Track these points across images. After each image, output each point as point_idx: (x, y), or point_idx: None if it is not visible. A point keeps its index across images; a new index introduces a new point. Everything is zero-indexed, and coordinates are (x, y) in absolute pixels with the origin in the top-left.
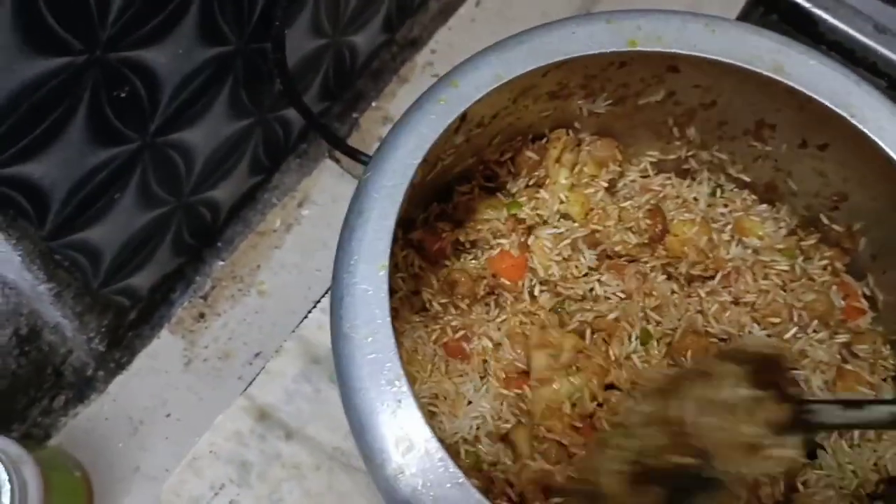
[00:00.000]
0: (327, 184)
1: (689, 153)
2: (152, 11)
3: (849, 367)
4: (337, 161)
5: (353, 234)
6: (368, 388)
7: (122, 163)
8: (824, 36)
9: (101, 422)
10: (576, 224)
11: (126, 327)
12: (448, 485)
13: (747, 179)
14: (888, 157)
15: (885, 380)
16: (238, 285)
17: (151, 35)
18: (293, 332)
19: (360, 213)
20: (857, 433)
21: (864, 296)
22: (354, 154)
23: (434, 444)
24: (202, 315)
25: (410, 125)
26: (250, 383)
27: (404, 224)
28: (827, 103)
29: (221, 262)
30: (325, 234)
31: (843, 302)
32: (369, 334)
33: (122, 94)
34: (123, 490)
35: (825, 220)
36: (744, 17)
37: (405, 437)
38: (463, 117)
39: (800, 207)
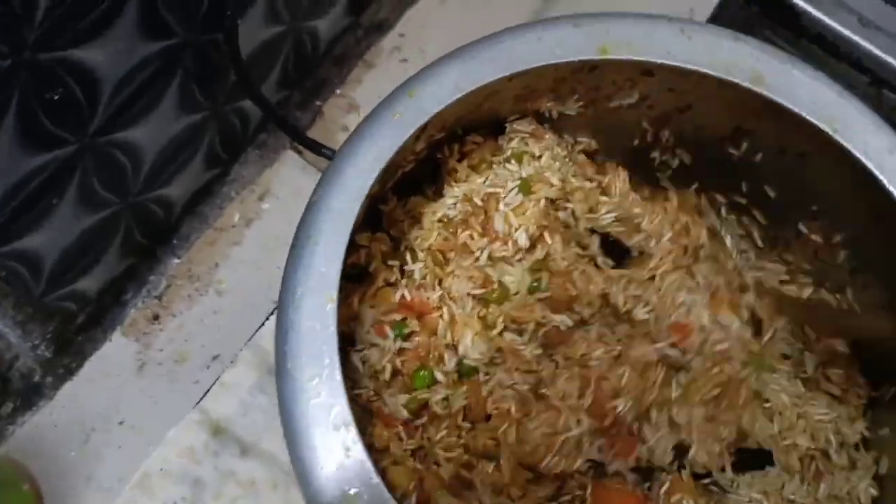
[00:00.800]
0: (289, 176)
1: (664, 157)
2: (85, 8)
3: None
4: (299, 152)
5: (300, 262)
6: (312, 435)
7: (58, 167)
8: (806, 29)
9: (51, 430)
10: None
11: (74, 332)
12: None
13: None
14: (870, 172)
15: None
16: (195, 284)
17: (86, 33)
18: (249, 341)
19: (308, 237)
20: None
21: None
22: (316, 147)
23: (381, 491)
24: (157, 316)
25: (363, 141)
26: (205, 394)
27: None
28: (808, 117)
29: (177, 260)
30: (286, 230)
31: None
32: (314, 375)
33: (56, 97)
34: (76, 501)
35: (803, 229)
36: (723, 7)
37: (350, 485)
38: (423, 128)
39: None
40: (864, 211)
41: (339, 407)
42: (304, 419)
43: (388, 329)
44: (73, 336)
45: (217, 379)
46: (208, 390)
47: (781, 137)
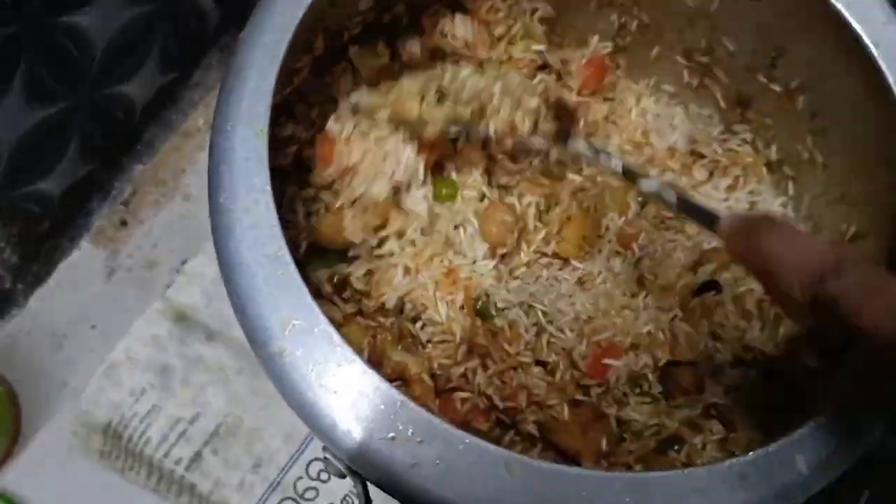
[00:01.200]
0: None
1: (622, 20)
2: None
3: None
4: None
5: (230, 96)
6: (248, 262)
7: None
8: None
9: (24, 337)
10: None
11: (40, 238)
12: (336, 362)
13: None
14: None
15: None
16: (161, 190)
17: None
18: None
19: (238, 72)
20: None
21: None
22: None
23: (320, 319)
24: (124, 222)
25: None
26: (169, 285)
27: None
28: None
29: (142, 167)
30: None
31: None
32: (248, 205)
33: None
34: (53, 407)
35: (763, 79)
36: None
37: (288, 313)
38: None
39: (737, 72)
40: (818, 44)
41: (275, 235)
42: (240, 251)
43: None
44: (40, 243)
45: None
46: (173, 282)
47: None
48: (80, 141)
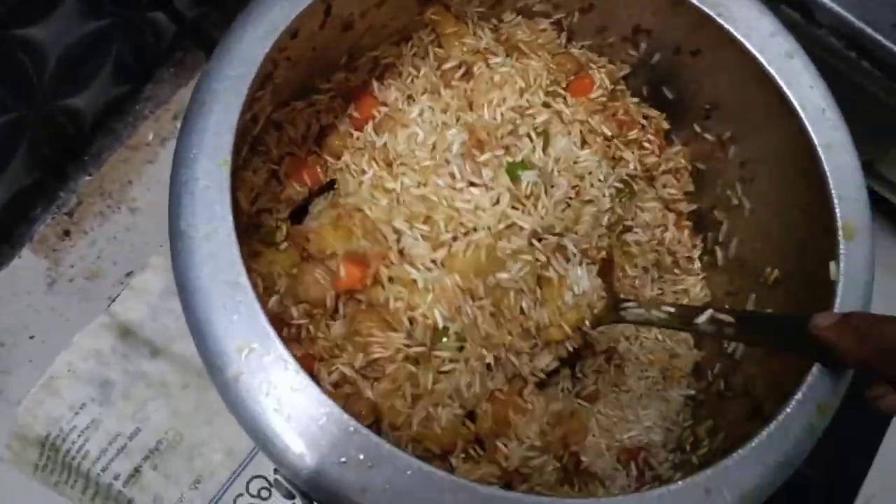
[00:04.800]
0: None
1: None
2: None
3: None
4: None
5: (194, 126)
6: (208, 289)
7: None
8: None
9: None
10: None
11: None
12: (291, 387)
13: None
14: (753, 57)
15: None
16: (107, 201)
17: None
18: (161, 246)
19: (202, 104)
20: None
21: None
22: None
23: (276, 345)
24: (67, 233)
25: (260, 10)
26: (114, 299)
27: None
28: (696, 3)
29: (88, 177)
30: None
31: None
32: (209, 232)
33: None
34: None
35: (697, 129)
36: None
37: (246, 338)
38: (327, 11)
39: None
40: (750, 102)
41: (235, 262)
42: (199, 277)
43: None
44: None
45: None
46: (118, 296)
47: (676, 35)
48: (27, 150)
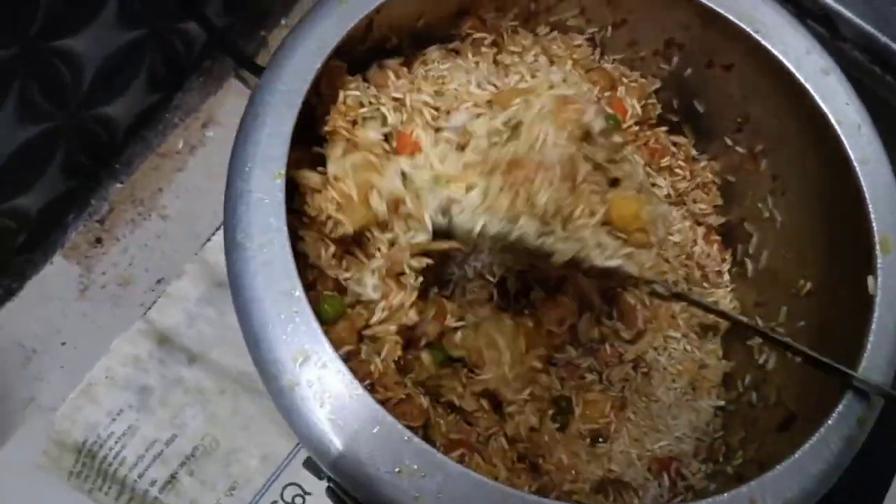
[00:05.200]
0: (233, 104)
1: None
2: None
3: None
4: (243, 80)
5: (248, 138)
6: (263, 299)
7: None
8: None
9: None
10: None
11: (14, 252)
12: (347, 396)
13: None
14: (790, 73)
15: None
16: (138, 209)
17: None
18: (196, 254)
19: (256, 117)
20: None
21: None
22: (261, 72)
23: (331, 355)
24: (99, 240)
25: (311, 27)
26: (151, 306)
27: None
28: (733, 18)
29: (120, 185)
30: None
31: None
32: (264, 243)
33: None
34: (17, 421)
35: (729, 142)
36: None
37: (301, 348)
38: (369, 26)
39: (704, 130)
40: (784, 116)
41: (290, 273)
42: (254, 288)
43: None
44: (13, 256)
45: (163, 291)
46: (154, 302)
47: (709, 49)
48: (63, 159)
